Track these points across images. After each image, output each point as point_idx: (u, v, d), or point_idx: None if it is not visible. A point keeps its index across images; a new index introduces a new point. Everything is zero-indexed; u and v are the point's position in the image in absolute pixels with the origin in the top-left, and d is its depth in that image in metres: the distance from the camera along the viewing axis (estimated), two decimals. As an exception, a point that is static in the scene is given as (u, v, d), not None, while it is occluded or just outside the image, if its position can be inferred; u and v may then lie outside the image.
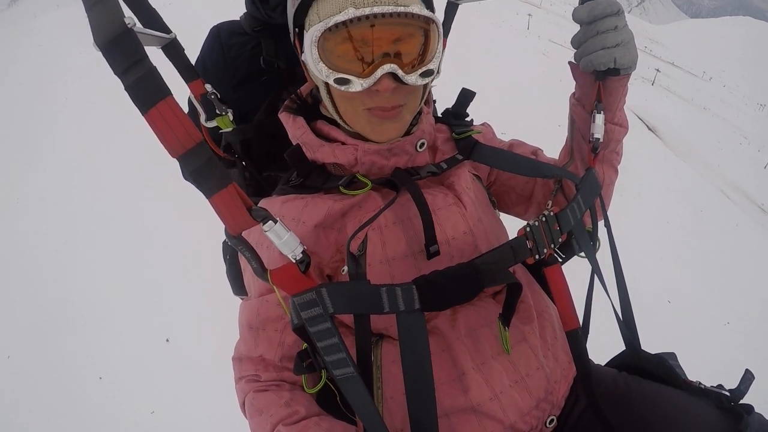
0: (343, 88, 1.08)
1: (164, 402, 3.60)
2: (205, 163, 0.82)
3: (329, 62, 1.08)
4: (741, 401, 1.11)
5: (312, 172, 1.28)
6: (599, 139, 1.28)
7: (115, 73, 0.79)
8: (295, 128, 1.29)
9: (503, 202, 1.55)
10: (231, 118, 1.48)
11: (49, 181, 6.72)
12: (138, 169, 6.32)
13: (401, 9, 1.03)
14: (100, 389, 3.78)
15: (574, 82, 1.35)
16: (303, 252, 0.92)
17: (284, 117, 1.34)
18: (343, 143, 1.23)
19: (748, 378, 1.17)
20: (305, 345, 1.04)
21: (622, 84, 1.28)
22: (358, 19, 1.03)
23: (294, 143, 1.29)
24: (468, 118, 1.50)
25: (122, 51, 0.78)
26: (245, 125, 1.59)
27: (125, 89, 0.79)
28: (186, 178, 1.53)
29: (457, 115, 1.48)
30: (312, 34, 1.05)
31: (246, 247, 0.93)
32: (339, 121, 1.25)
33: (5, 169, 7.20)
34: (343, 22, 1.03)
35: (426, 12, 1.07)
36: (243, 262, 1.28)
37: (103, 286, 4.75)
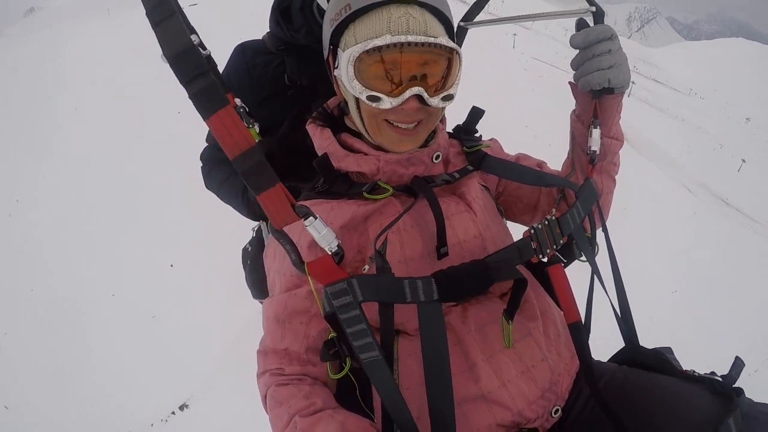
0: (374, 104, 1.20)
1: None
2: (256, 165, 0.92)
3: (363, 80, 1.19)
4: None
5: (337, 179, 1.35)
6: (596, 151, 1.41)
7: (181, 83, 0.90)
8: (322, 139, 1.39)
9: (511, 211, 1.63)
10: (257, 131, 1.59)
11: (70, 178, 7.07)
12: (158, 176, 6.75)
13: (431, 40, 1.15)
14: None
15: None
16: (338, 246, 1.02)
17: (312, 128, 1.43)
18: (366, 154, 1.33)
19: (738, 365, 1.21)
20: (331, 335, 1.15)
21: (617, 101, 1.41)
22: (394, 45, 1.14)
23: (320, 153, 1.38)
24: (477, 134, 1.60)
25: (188, 64, 0.88)
26: (269, 138, 1.68)
27: (189, 97, 0.90)
28: (211, 185, 1.94)
29: (467, 131, 1.57)
30: (350, 53, 1.17)
31: (287, 241, 1.03)
32: (363, 133, 1.35)
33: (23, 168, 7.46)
34: (379, 47, 1.15)
35: (452, 44, 1.20)
36: (268, 263, 1.38)
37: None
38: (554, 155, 1.84)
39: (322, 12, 1.69)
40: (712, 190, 15.47)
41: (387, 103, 1.20)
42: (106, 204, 6.48)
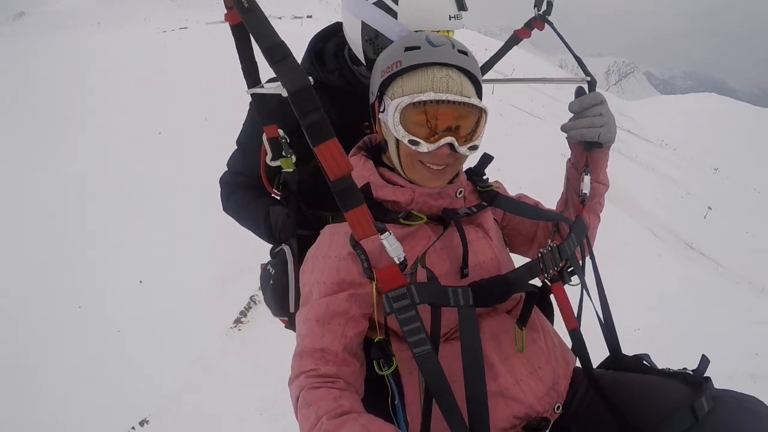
0: (413, 147, 1.39)
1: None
2: (348, 187, 1.14)
3: (406, 126, 1.39)
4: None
5: (374, 206, 1.49)
6: (587, 194, 1.73)
7: (297, 114, 1.09)
8: (365, 169, 1.56)
9: (512, 243, 1.83)
10: (293, 160, 1.73)
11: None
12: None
13: (465, 99, 1.38)
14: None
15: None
16: (404, 258, 1.22)
17: (356, 159, 1.61)
18: (402, 186, 1.51)
19: (704, 361, 1.45)
20: (378, 338, 1.34)
21: (605, 154, 1.74)
22: (435, 101, 1.36)
23: (360, 181, 1.52)
24: (485, 177, 1.80)
25: (305, 100, 1.08)
26: (303, 167, 1.78)
27: (303, 127, 1.09)
28: (231, 208, 2.05)
29: (477, 173, 1.76)
30: (398, 103, 1.37)
31: (362, 251, 1.26)
32: (399, 169, 1.52)
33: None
34: (424, 101, 1.36)
35: (482, 104, 1.42)
36: (305, 277, 1.49)
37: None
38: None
39: (353, 58, 1.87)
40: (678, 234, 15.96)
41: (424, 147, 1.39)
42: (79, 216, 6.59)
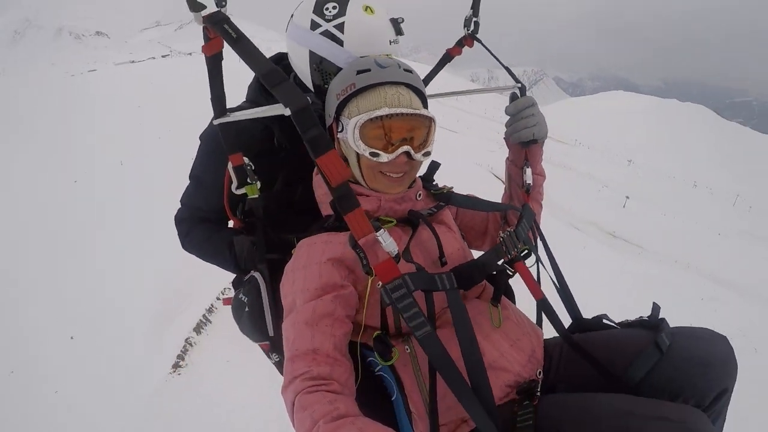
0: (374, 159, 1.53)
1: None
2: (346, 193, 1.28)
3: (366, 141, 1.52)
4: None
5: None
6: (530, 184, 1.94)
7: (300, 131, 1.24)
8: None
9: (466, 238, 1.98)
10: (258, 186, 1.77)
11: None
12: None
13: (417, 111, 1.54)
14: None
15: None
16: (398, 252, 1.33)
17: (319, 178, 1.75)
18: (367, 195, 1.64)
19: (656, 307, 1.65)
20: (376, 333, 1.46)
21: (540, 148, 1.98)
22: (390, 115, 1.51)
23: (327, 198, 1.70)
24: (434, 182, 1.95)
25: (306, 117, 1.24)
26: (267, 193, 1.84)
27: (306, 141, 1.24)
28: (191, 245, 2.04)
29: (427, 179, 1.92)
30: (356, 120, 1.51)
31: (362, 250, 1.33)
32: (361, 181, 1.66)
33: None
34: (380, 116, 1.51)
35: (430, 114, 1.60)
36: (286, 289, 1.54)
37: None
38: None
39: (299, 86, 1.91)
40: (600, 226, 16.81)
41: (384, 158, 1.53)
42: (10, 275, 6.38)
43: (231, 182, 1.78)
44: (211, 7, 1.38)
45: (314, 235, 1.62)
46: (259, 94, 1.97)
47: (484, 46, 2.11)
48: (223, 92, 1.62)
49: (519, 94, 1.97)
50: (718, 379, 1.46)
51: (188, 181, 2.06)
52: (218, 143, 1.83)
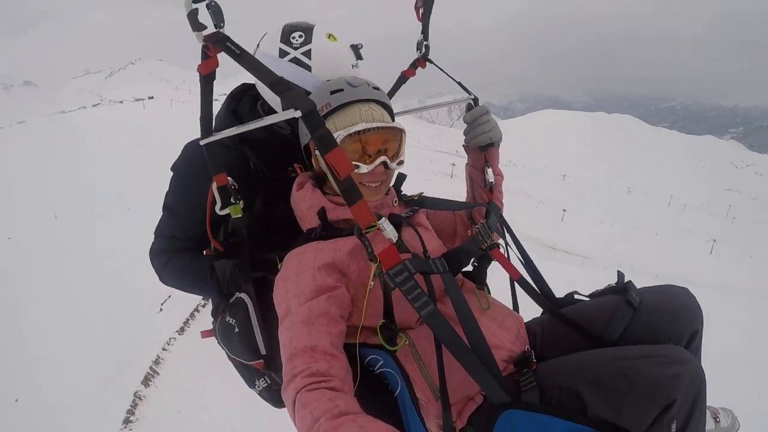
0: (355, 171, 1.64)
1: None
2: (351, 186, 1.41)
3: (345, 154, 1.52)
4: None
5: (330, 228, 1.73)
6: (492, 182, 2.13)
7: (310, 131, 1.37)
8: (314, 198, 1.79)
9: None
10: (242, 206, 1.85)
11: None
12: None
13: (389, 124, 1.70)
14: None
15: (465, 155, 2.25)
16: (398, 237, 1.50)
17: (305, 189, 1.83)
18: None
19: (620, 274, 1.86)
20: (380, 322, 1.58)
21: (496, 151, 2.17)
22: (366, 129, 1.66)
23: (312, 209, 1.77)
24: (402, 192, 2.06)
25: (314, 118, 1.38)
26: (250, 213, 1.92)
27: (315, 138, 1.37)
28: (171, 275, 2.03)
29: (396, 189, 2.01)
30: (335, 136, 1.56)
31: (368, 240, 1.50)
32: (342, 193, 1.69)
33: None
34: (357, 131, 1.65)
35: (401, 126, 1.76)
36: (280, 297, 1.60)
37: None
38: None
39: (268, 111, 2.03)
40: (540, 240, 17.37)
41: (364, 169, 1.67)
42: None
43: (214, 204, 1.82)
44: (211, 28, 1.48)
45: (303, 245, 1.69)
46: (229, 121, 2.02)
47: (436, 65, 2.27)
48: (212, 113, 1.73)
49: (473, 105, 2.16)
50: (688, 323, 1.65)
51: (162, 213, 2.06)
52: (192, 171, 1.96)
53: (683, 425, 1.42)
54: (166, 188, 2.06)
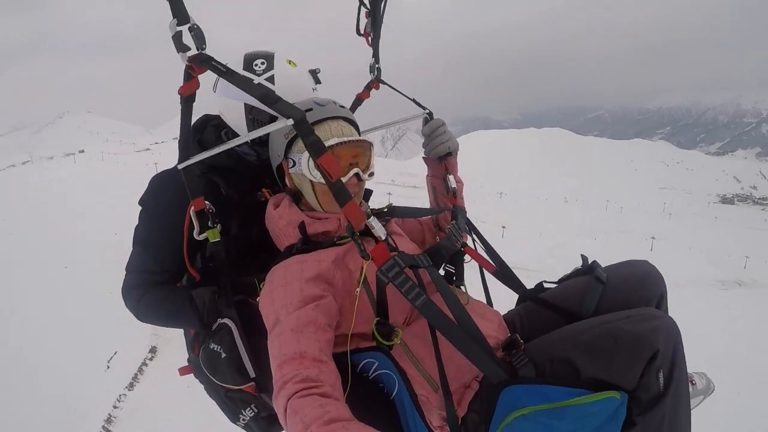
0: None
1: None
2: (341, 188, 1.52)
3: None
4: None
5: (310, 242, 1.81)
6: (455, 188, 2.30)
7: (302, 137, 1.50)
8: (292, 213, 1.88)
9: None
10: (219, 229, 1.88)
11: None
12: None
13: (360, 138, 1.85)
14: None
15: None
16: (387, 235, 1.61)
17: (284, 205, 1.92)
18: (328, 218, 1.87)
19: (584, 257, 2.01)
20: (376, 320, 1.71)
21: (455, 160, 2.35)
22: (339, 143, 1.79)
23: (291, 225, 1.86)
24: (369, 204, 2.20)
25: (305, 126, 1.51)
26: (227, 237, 1.94)
27: (307, 144, 1.50)
28: (148, 310, 2.00)
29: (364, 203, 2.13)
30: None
31: (360, 238, 1.64)
32: (318, 207, 1.90)
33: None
34: (332, 146, 1.75)
35: (370, 139, 1.93)
36: (267, 310, 1.66)
37: None
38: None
39: (233, 135, 2.10)
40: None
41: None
42: None
43: (191, 230, 1.85)
44: (194, 50, 1.53)
45: (285, 259, 1.75)
46: (196, 151, 1.95)
47: (390, 85, 2.44)
48: (190, 136, 1.79)
49: (429, 118, 2.37)
50: (653, 288, 1.82)
51: (133, 249, 2.05)
52: (161, 202, 2.01)
53: (668, 375, 1.52)
54: (136, 223, 2.07)
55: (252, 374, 1.85)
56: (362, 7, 2.29)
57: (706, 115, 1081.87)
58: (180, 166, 1.76)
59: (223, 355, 1.86)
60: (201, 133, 2.16)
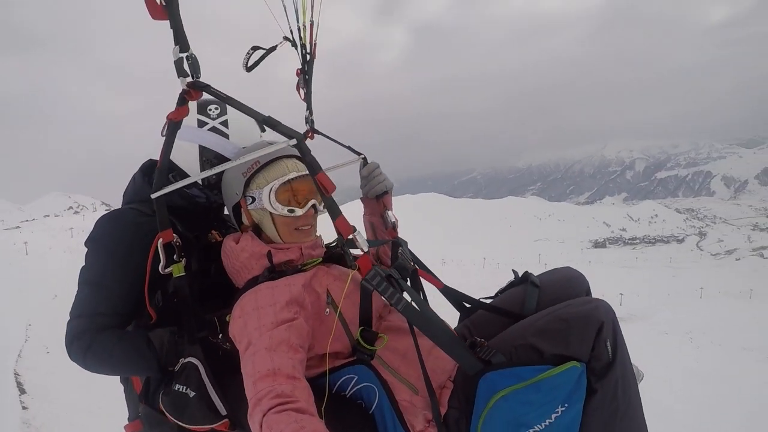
0: (291, 214, 1.92)
1: None
2: (333, 202, 1.62)
3: (281, 202, 1.91)
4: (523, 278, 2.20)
5: (276, 272, 1.89)
6: (395, 222, 2.41)
7: (301, 154, 1.63)
8: (255, 245, 1.95)
9: None
10: (184, 264, 1.88)
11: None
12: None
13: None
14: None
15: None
16: (368, 247, 1.71)
17: (246, 238, 1.98)
18: (289, 248, 1.97)
19: (515, 272, 2.26)
20: (360, 327, 1.87)
21: (390, 197, 2.47)
22: (296, 177, 1.92)
23: (256, 257, 1.93)
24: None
25: (305, 146, 1.61)
26: (190, 272, 1.92)
27: (306, 164, 1.63)
28: (99, 356, 1.85)
29: None
30: (270, 186, 1.90)
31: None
32: (278, 239, 1.99)
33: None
34: (289, 180, 1.91)
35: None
36: (239, 335, 1.72)
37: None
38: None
39: (184, 174, 2.08)
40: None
41: (299, 212, 1.94)
42: None
43: (156, 264, 1.85)
44: (190, 78, 1.58)
45: (254, 288, 1.82)
46: (144, 192, 2.01)
47: (323, 134, 2.53)
48: (168, 164, 1.84)
49: (365, 162, 2.48)
50: (580, 286, 2.10)
51: (79, 291, 1.92)
52: (124, 242, 1.92)
53: (614, 344, 1.72)
54: (83, 263, 1.95)
55: (223, 411, 1.81)
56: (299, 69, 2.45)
57: (573, 168, 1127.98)
58: (154, 196, 1.79)
59: (192, 394, 1.80)
60: (151, 174, 2.08)
